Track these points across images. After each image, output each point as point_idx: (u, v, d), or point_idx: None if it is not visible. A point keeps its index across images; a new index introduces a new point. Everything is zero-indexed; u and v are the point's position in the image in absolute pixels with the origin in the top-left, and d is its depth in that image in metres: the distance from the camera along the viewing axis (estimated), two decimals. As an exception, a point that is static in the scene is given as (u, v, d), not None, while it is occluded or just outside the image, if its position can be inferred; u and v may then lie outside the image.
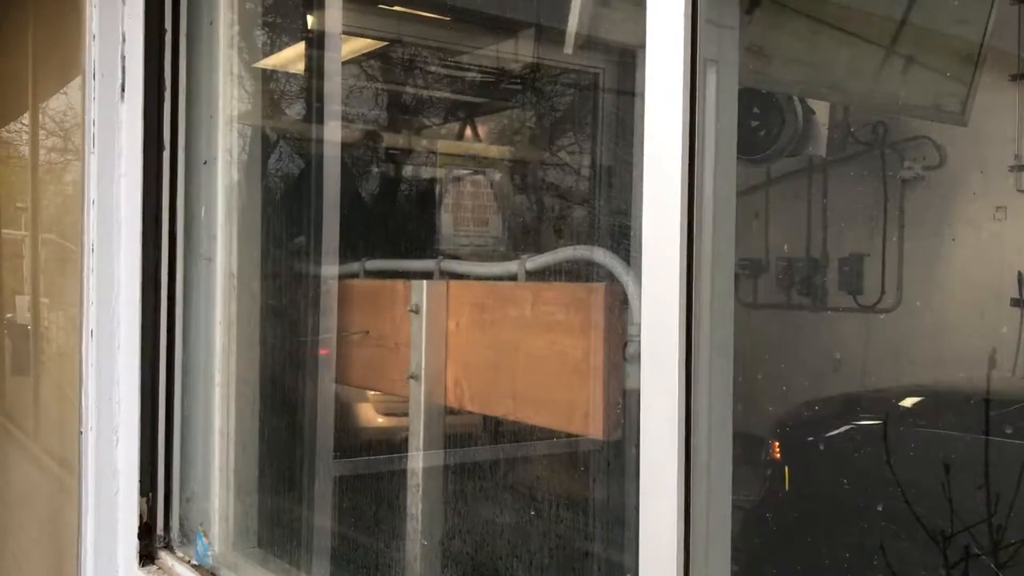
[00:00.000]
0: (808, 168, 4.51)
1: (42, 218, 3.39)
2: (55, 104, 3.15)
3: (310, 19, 2.58)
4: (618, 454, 1.59)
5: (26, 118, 3.61)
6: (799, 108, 4.30)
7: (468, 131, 3.23)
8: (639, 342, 1.12)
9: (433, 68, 3.21)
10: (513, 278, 1.88)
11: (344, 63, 2.78)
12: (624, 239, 1.68)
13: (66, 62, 2.62)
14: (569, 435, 1.71)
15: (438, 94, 3.22)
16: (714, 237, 1.14)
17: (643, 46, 1.10)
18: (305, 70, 2.56)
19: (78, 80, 2.31)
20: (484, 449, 1.97)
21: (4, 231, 4.05)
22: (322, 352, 2.14)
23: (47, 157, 3.41)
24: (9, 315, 3.72)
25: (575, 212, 2.71)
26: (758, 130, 4.38)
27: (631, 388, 1.55)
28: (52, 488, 2.77)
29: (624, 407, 1.58)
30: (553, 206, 2.85)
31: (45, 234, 3.32)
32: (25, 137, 3.70)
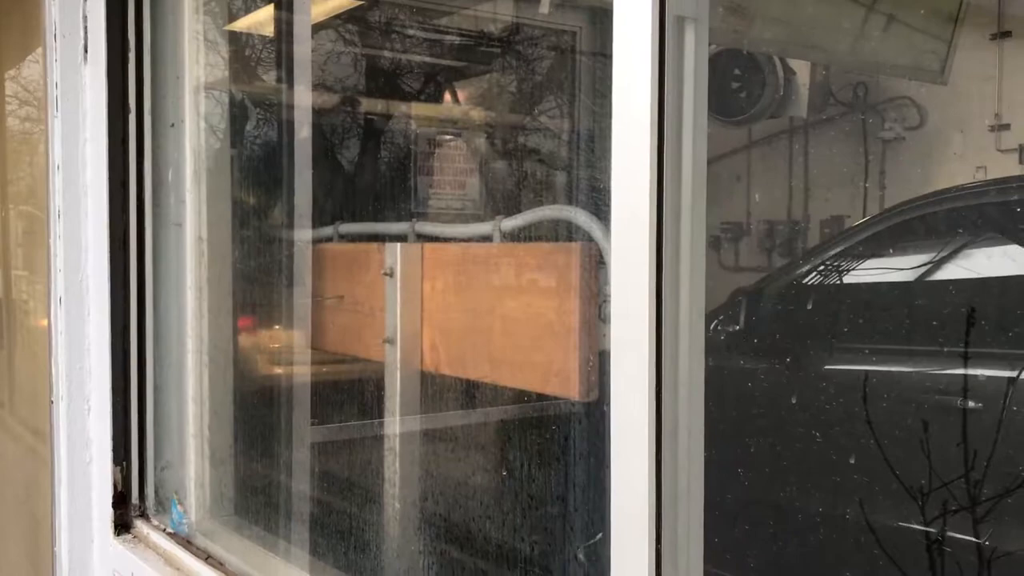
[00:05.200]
0: (789, 130, 4.49)
1: (14, 189, 3.33)
2: (25, 72, 3.08)
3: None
4: (595, 415, 1.58)
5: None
6: (780, 69, 4.27)
7: (444, 93, 3.18)
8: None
9: (407, 28, 3.15)
10: (488, 239, 1.85)
11: (315, 25, 2.73)
12: (601, 199, 1.66)
13: (29, 27, 2.56)
14: (543, 397, 1.69)
15: (411, 55, 3.16)
16: (686, 197, 1.11)
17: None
18: (275, 31, 2.50)
19: (41, 49, 2.26)
20: (459, 412, 1.95)
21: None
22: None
23: (20, 127, 3.34)
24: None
25: (551, 173, 2.68)
26: (739, 91, 4.35)
27: (608, 349, 1.53)
28: (26, 459, 2.74)
29: (600, 368, 1.56)
30: (530, 167, 2.81)
31: (19, 206, 3.26)
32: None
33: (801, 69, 4.23)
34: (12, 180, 3.35)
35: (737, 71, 4.17)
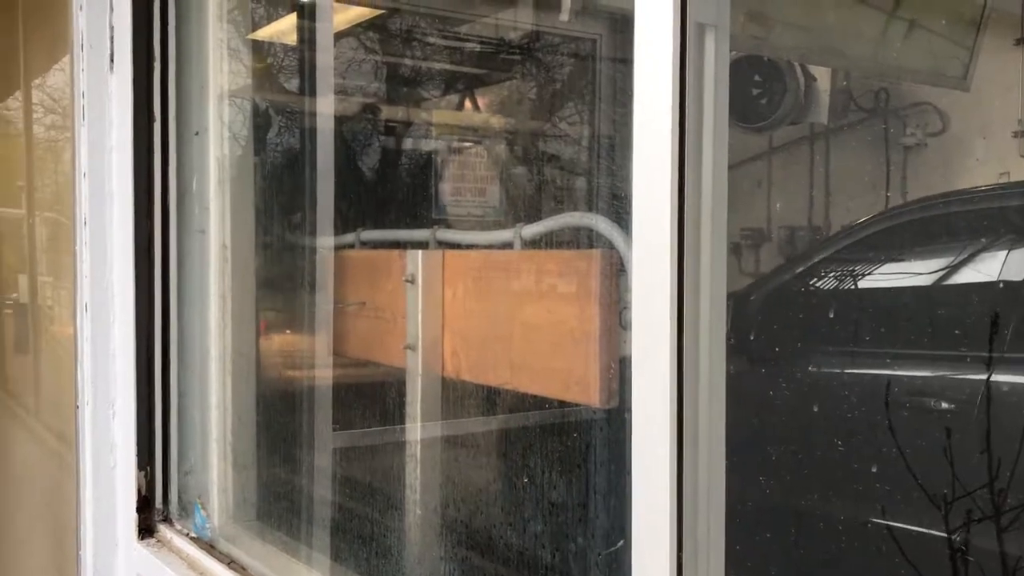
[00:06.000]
0: (810, 136, 4.47)
1: (40, 196, 3.37)
2: (52, 80, 3.12)
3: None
4: (614, 422, 1.58)
5: (20, 95, 3.58)
6: (800, 75, 4.25)
7: (464, 100, 3.19)
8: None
9: (428, 37, 3.17)
10: (509, 246, 1.86)
11: (337, 33, 2.75)
12: (622, 206, 1.66)
13: (56, 37, 2.59)
14: (564, 404, 1.70)
15: (432, 63, 3.18)
16: (707, 203, 1.11)
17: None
18: (298, 40, 2.53)
19: (68, 58, 2.29)
20: (479, 418, 1.96)
21: (5, 210, 4.03)
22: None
23: (46, 135, 3.38)
24: (14, 295, 3.70)
25: (572, 180, 2.68)
26: (759, 98, 4.34)
27: (628, 356, 1.54)
28: (52, 464, 2.77)
29: (621, 375, 1.57)
30: (551, 175, 2.82)
31: (44, 212, 3.30)
32: (21, 115, 3.67)
33: (822, 75, 4.22)
34: (38, 187, 3.39)
35: (757, 77, 4.16)
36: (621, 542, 1.19)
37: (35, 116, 3.46)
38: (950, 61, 3.46)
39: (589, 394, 1.63)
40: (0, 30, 3.59)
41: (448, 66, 3.19)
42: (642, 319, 1.09)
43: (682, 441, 1.09)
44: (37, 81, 3.34)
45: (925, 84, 3.99)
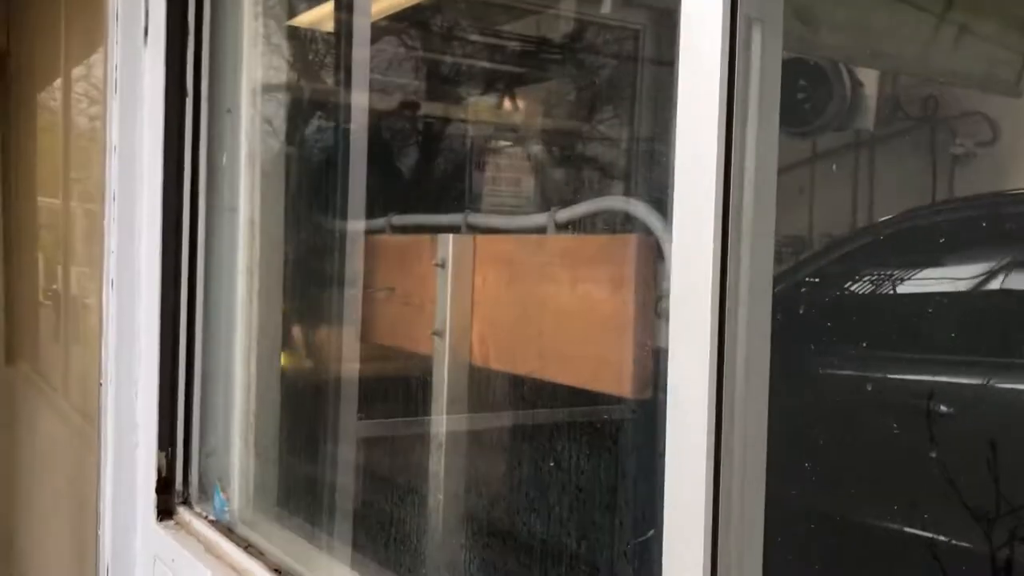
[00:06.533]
0: (855, 142, 4.38)
1: (79, 188, 3.37)
2: (96, 71, 3.11)
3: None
4: (647, 412, 1.52)
5: (59, 83, 3.59)
6: (847, 79, 4.16)
7: (499, 87, 3.14)
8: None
9: (460, 24, 3.12)
10: (542, 231, 1.80)
11: (375, 23, 2.72)
12: (661, 192, 1.60)
13: (97, 19, 2.58)
14: (595, 393, 1.63)
15: (467, 48, 3.14)
16: (751, 197, 1.06)
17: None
18: (335, 26, 2.49)
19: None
20: (508, 407, 1.90)
21: (45, 200, 4.05)
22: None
23: (90, 125, 3.38)
24: (55, 286, 3.72)
25: (609, 168, 2.62)
26: (804, 102, 4.26)
27: (663, 346, 1.48)
28: (76, 441, 2.76)
29: (655, 364, 1.50)
30: (589, 166, 2.76)
31: (83, 203, 3.31)
32: (60, 103, 3.69)
33: (869, 80, 4.12)
34: (78, 179, 3.39)
35: (803, 81, 4.08)
36: (652, 531, 1.13)
37: (79, 107, 3.46)
38: (1002, 66, 3.36)
39: (621, 384, 1.57)
40: (41, 22, 3.60)
41: (485, 49, 3.14)
42: (682, 308, 1.03)
43: (720, 432, 1.03)
44: (80, 71, 3.34)
45: (976, 89, 3.88)
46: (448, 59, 3.20)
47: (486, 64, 3.14)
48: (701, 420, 1.02)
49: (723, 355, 1.02)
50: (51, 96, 3.87)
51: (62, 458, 3.03)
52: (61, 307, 3.52)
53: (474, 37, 3.06)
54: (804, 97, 4.18)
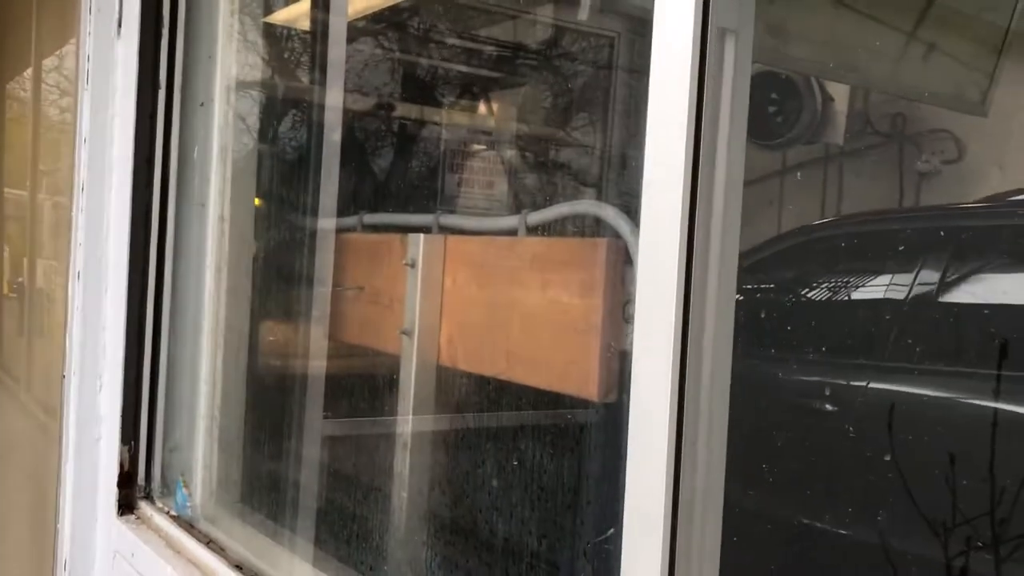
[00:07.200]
0: (824, 157, 4.43)
1: (48, 180, 3.34)
2: (68, 62, 3.08)
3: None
4: (612, 415, 1.53)
5: (30, 73, 3.55)
6: (818, 93, 4.21)
7: (474, 90, 3.16)
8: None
9: (436, 26, 3.13)
10: (514, 233, 1.81)
11: (351, 23, 2.72)
12: (631, 197, 1.62)
13: (68, 9, 2.56)
14: (561, 396, 1.65)
15: (443, 51, 3.15)
16: (719, 204, 1.08)
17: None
18: (311, 24, 2.49)
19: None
20: (473, 408, 1.91)
21: (11, 191, 4.00)
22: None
23: (60, 117, 3.35)
24: (20, 279, 3.67)
25: (584, 171, 2.64)
26: (775, 115, 4.30)
27: (630, 349, 1.49)
28: (37, 435, 2.73)
29: (622, 368, 1.52)
30: (562, 170, 2.78)
31: (52, 196, 3.27)
32: (30, 93, 3.64)
33: (839, 95, 4.18)
34: (47, 171, 3.36)
35: (774, 94, 4.12)
36: (612, 530, 1.14)
37: (51, 98, 3.42)
38: (968, 86, 3.43)
39: (587, 387, 1.58)
40: (13, 13, 3.56)
41: (459, 54, 3.15)
42: (646, 312, 1.05)
43: (681, 436, 1.04)
44: (47, 62, 3.31)
45: (942, 107, 3.94)
46: (424, 61, 3.20)
47: (462, 68, 3.15)
48: (663, 421, 1.03)
49: (686, 359, 1.04)
50: (20, 87, 3.82)
51: (22, 453, 3.00)
52: (25, 300, 3.48)
53: (450, 40, 3.07)
54: (775, 110, 4.23)
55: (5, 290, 3.88)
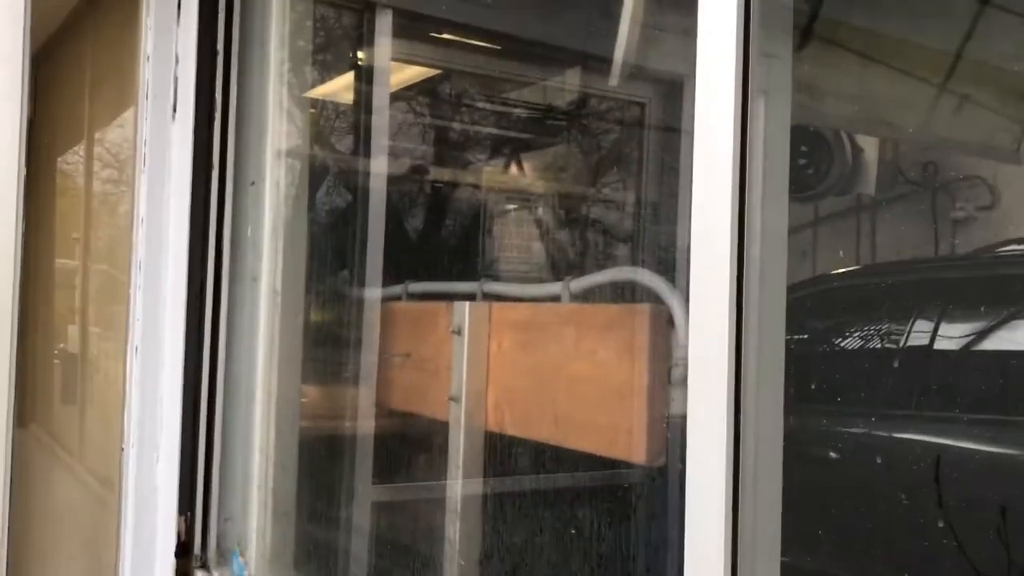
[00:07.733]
0: (856, 207, 4.45)
1: (94, 248, 3.44)
2: (111, 135, 3.21)
3: (360, 52, 2.61)
4: (660, 479, 1.55)
5: (82, 149, 3.69)
6: (848, 145, 4.25)
7: (513, 155, 3.23)
8: (685, 365, 1.10)
9: (478, 100, 3.22)
10: (557, 300, 1.86)
11: (392, 95, 2.81)
12: (669, 262, 1.66)
13: (122, 89, 2.68)
14: (608, 460, 1.67)
15: (482, 125, 3.23)
16: (764, 267, 1.11)
17: (688, 76, 1.09)
18: (354, 100, 2.58)
19: (132, 109, 2.35)
20: (524, 473, 1.93)
21: (59, 261, 4.12)
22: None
23: (102, 188, 3.47)
24: (61, 345, 3.76)
25: (620, 236, 2.69)
26: (806, 168, 4.34)
27: (675, 413, 1.52)
28: (94, 507, 2.78)
29: (669, 432, 1.54)
30: (597, 233, 2.83)
31: (97, 264, 3.37)
32: (81, 168, 3.77)
33: (869, 146, 4.21)
34: (92, 239, 3.46)
35: (804, 147, 4.17)
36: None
37: (95, 169, 3.55)
38: (1001, 133, 3.44)
39: (635, 451, 1.60)
40: (69, 83, 3.71)
41: (499, 128, 3.23)
42: (699, 379, 1.08)
43: (738, 496, 1.07)
44: (100, 136, 3.43)
45: (976, 156, 3.96)
46: (459, 127, 3.29)
47: (503, 133, 3.23)
48: (719, 485, 1.05)
49: (739, 421, 1.06)
50: (71, 161, 3.96)
51: (78, 523, 3.05)
52: (77, 369, 3.56)
53: (497, 108, 3.15)
54: (806, 163, 4.26)
55: (53, 359, 3.96)
